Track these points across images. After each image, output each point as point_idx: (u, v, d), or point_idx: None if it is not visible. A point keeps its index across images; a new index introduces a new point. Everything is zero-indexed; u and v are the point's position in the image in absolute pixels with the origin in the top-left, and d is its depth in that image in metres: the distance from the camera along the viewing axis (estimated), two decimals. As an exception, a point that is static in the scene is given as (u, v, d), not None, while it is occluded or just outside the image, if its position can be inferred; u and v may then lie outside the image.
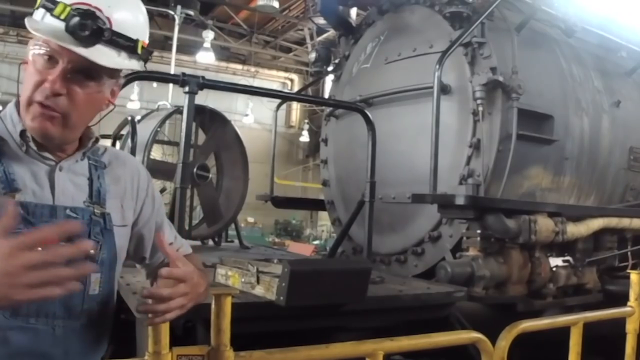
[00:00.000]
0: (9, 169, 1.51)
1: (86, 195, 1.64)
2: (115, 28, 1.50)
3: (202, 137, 6.30)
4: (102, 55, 1.48)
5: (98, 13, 1.47)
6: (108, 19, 1.48)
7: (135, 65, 1.59)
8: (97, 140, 1.70)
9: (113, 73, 1.57)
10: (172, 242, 1.94)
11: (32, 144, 1.55)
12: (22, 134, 1.54)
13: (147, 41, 1.62)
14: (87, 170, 1.68)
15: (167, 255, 1.61)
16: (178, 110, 5.93)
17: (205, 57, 18.69)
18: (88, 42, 1.45)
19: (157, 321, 1.58)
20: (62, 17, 1.44)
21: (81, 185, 1.64)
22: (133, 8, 1.58)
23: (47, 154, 1.58)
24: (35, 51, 1.49)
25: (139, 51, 1.58)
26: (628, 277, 3.90)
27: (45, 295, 1.19)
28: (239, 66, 23.56)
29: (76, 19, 1.43)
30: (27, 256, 1.15)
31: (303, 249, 12.31)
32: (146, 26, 1.63)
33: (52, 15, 1.45)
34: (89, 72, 1.50)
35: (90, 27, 1.44)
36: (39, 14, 1.49)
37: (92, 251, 1.55)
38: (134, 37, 1.56)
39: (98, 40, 1.47)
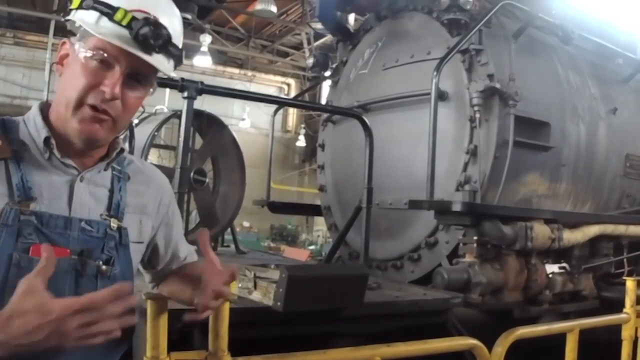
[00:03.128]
0: (27, 176, 1.49)
1: (104, 207, 1.61)
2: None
3: (199, 142, 6.30)
4: (161, 62, 1.52)
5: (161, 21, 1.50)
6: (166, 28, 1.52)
7: (173, 72, 1.63)
8: (122, 150, 1.68)
9: (156, 79, 1.60)
10: (186, 256, 1.94)
11: (55, 152, 1.52)
12: (46, 140, 1.52)
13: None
14: (109, 181, 1.65)
15: (210, 262, 1.63)
16: (175, 115, 5.93)
17: (203, 61, 18.72)
18: (155, 51, 1.48)
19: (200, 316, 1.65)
20: (124, 23, 1.45)
21: (100, 197, 1.62)
22: (176, 15, 1.60)
23: (70, 162, 1.55)
24: (85, 54, 1.48)
25: (183, 60, 1.63)
26: (624, 284, 3.92)
27: (89, 343, 1.28)
28: (236, 70, 23.56)
29: (147, 29, 1.45)
30: (77, 319, 1.22)
31: (299, 254, 12.31)
32: (182, 33, 1.64)
33: (110, 20, 1.45)
34: (140, 77, 1.53)
35: (163, 37, 1.48)
36: (91, 16, 1.47)
37: (103, 267, 1.56)
38: (180, 46, 1.60)
39: (163, 50, 1.50)
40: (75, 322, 1.22)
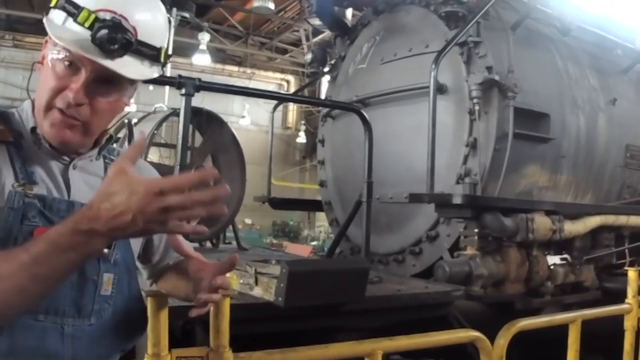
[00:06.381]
0: (27, 162, 1.48)
1: None
2: (140, 37, 1.45)
3: (198, 139, 6.30)
4: (128, 66, 1.45)
5: (124, 23, 1.41)
6: (134, 28, 1.43)
7: (156, 72, 1.55)
8: (111, 137, 1.65)
9: (134, 80, 1.53)
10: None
11: (44, 142, 1.51)
12: (33, 130, 1.50)
13: (166, 45, 1.57)
14: (102, 169, 1.64)
15: (186, 256, 1.60)
16: (174, 113, 5.92)
17: (201, 60, 18.71)
18: (115, 55, 1.41)
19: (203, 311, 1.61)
20: (87, 24, 1.38)
21: (94, 185, 1.57)
22: (154, 9, 1.53)
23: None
24: (54, 56, 1.44)
25: (162, 59, 1.55)
26: (625, 275, 3.92)
27: (176, 229, 1.24)
28: (235, 68, 23.54)
29: (104, 32, 1.38)
30: (163, 200, 1.17)
31: (301, 250, 12.34)
32: (166, 28, 1.57)
33: (75, 21, 1.39)
34: (112, 81, 1.47)
35: (119, 41, 1.40)
36: (59, 17, 1.42)
37: (105, 250, 1.50)
38: (158, 44, 1.52)
39: (125, 53, 1.42)
40: (161, 204, 1.17)
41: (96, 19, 1.38)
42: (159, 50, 1.52)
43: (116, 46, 1.39)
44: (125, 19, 1.42)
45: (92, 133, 1.53)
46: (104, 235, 1.19)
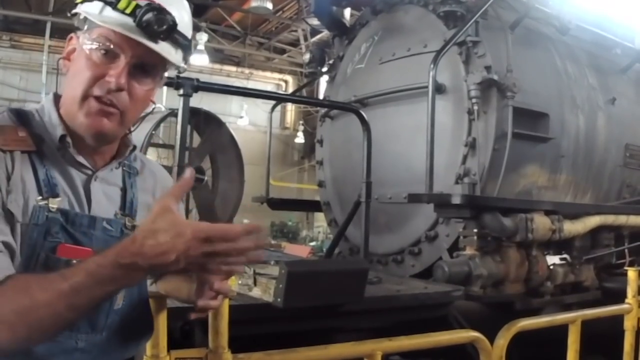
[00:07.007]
0: (50, 172, 1.46)
1: (116, 206, 1.59)
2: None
3: (197, 140, 6.29)
4: (168, 51, 1.49)
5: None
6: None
7: (183, 63, 1.59)
8: (134, 148, 1.66)
9: (165, 70, 1.56)
10: None
11: (71, 150, 1.49)
12: (62, 139, 1.48)
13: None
14: (120, 179, 1.63)
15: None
16: (172, 113, 5.92)
17: (199, 60, 18.66)
18: (160, 37, 1.45)
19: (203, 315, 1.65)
20: (128, 11, 1.42)
21: (112, 196, 1.59)
22: (181, 7, 1.55)
23: (83, 162, 1.52)
24: (90, 46, 1.45)
25: (192, 50, 1.58)
26: (625, 275, 3.92)
27: (213, 273, 1.33)
28: (233, 68, 23.51)
29: (151, 14, 1.42)
30: (208, 246, 1.21)
31: (299, 251, 12.30)
32: (191, 26, 1.60)
33: (114, 9, 1.42)
34: (147, 68, 1.50)
35: (167, 22, 1.44)
36: (95, 7, 1.45)
37: None
38: (189, 36, 1.56)
39: (169, 36, 1.47)
40: (205, 249, 1.21)
41: (137, 6, 1.42)
42: (190, 41, 1.57)
43: (164, 27, 1.44)
44: (162, 6, 1.46)
45: (127, 122, 1.54)
46: (144, 270, 1.22)
